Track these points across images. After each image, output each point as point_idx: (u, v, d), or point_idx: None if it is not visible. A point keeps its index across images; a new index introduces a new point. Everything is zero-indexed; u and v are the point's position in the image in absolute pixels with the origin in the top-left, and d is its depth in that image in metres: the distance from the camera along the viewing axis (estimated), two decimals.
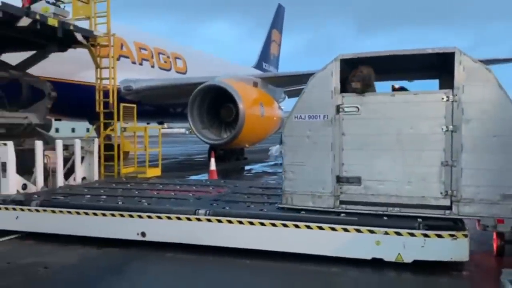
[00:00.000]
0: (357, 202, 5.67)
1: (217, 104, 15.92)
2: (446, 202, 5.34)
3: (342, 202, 5.74)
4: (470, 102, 5.24)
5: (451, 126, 5.32)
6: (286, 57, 44.20)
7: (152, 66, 19.57)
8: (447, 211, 5.33)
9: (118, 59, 15.07)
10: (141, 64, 18.76)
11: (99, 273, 5.24)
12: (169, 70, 20.72)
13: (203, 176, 13.42)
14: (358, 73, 5.72)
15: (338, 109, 5.74)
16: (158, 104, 19.36)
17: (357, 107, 5.69)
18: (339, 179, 5.74)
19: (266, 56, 37.40)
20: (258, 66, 35.31)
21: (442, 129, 5.36)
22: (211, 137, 16.06)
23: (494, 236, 5.45)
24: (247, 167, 17.58)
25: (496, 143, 5.14)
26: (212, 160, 12.95)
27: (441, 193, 5.37)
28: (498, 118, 5.14)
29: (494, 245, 5.46)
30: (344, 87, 5.80)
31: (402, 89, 6.04)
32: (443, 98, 5.37)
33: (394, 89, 6.06)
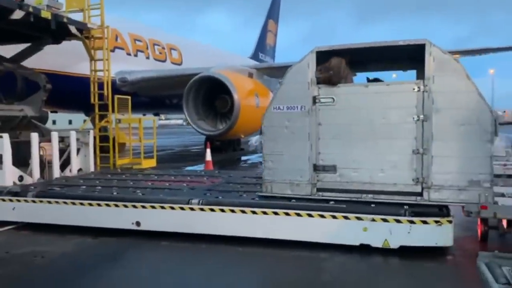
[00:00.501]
0: (333, 189, 5.87)
1: (212, 95, 16.02)
2: (417, 189, 5.54)
3: (319, 190, 5.93)
4: (440, 92, 5.41)
5: (422, 116, 5.48)
6: (283, 47, 44.04)
7: (147, 58, 19.60)
8: (418, 197, 5.52)
9: (112, 50, 15.14)
10: (136, 55, 18.79)
11: (95, 261, 5.37)
12: (164, 61, 20.75)
13: (199, 167, 13.54)
14: (326, 64, 5.86)
15: (314, 100, 5.90)
16: (153, 96, 19.44)
17: (333, 98, 5.85)
18: (316, 168, 5.92)
19: (262, 47, 37.37)
20: (255, 56, 35.30)
21: (414, 118, 5.53)
22: (206, 128, 16.18)
23: (478, 222, 5.61)
24: (243, 158, 17.71)
25: (464, 131, 5.31)
26: (208, 151, 13.07)
27: (413, 180, 5.55)
28: (466, 107, 5.31)
29: (478, 231, 5.62)
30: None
31: (376, 80, 6.19)
32: (414, 89, 5.53)
33: (368, 81, 6.22)
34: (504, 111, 47.93)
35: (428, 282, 4.57)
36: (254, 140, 11.04)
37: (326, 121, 5.88)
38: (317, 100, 5.90)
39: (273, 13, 39.23)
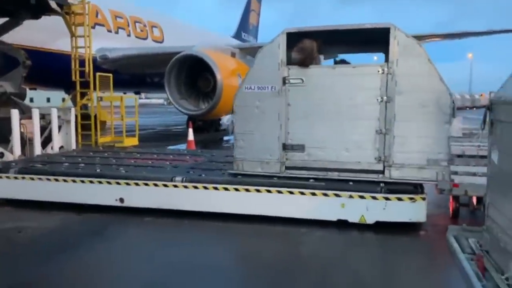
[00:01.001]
0: (301, 168, 6.07)
1: (194, 74, 15.93)
2: (379, 167, 5.79)
3: (287, 168, 6.13)
4: (403, 75, 5.62)
5: (385, 97, 5.70)
6: (266, 27, 43.76)
7: (128, 35, 19.32)
8: (380, 175, 5.78)
9: (93, 27, 14.87)
10: (117, 32, 18.50)
11: (79, 237, 5.45)
12: (145, 39, 20.48)
13: (182, 147, 13.58)
14: (299, 45, 6.00)
15: (284, 80, 6.04)
16: (134, 74, 19.23)
17: (302, 79, 6.00)
18: (285, 147, 6.11)
19: (245, 26, 37.08)
20: (237, 36, 35.03)
21: (377, 99, 5.74)
22: (189, 108, 16.15)
23: (450, 199, 5.88)
24: (225, 138, 17.79)
25: (424, 113, 5.56)
26: (190, 130, 13.10)
27: (375, 158, 5.80)
28: (426, 90, 5.55)
29: (450, 208, 5.90)
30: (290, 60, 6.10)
31: (343, 62, 6.40)
32: (379, 71, 5.73)
33: (335, 63, 6.41)
34: (481, 94, 48.85)
35: (401, 253, 4.82)
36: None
37: (295, 102, 6.05)
38: (287, 81, 6.04)
39: None
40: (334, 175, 5.91)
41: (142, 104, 58.87)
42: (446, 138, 5.52)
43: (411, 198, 5.38)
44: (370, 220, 5.47)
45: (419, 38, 24.84)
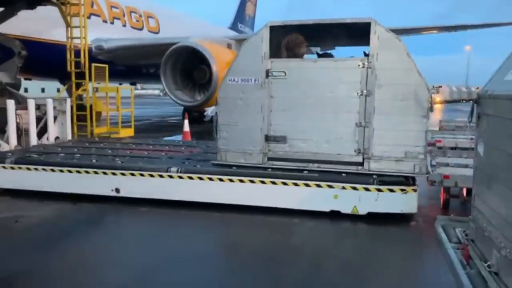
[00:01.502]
0: (283, 159, 6.19)
1: (190, 65, 15.94)
2: (359, 159, 5.91)
3: (270, 159, 6.25)
4: (383, 69, 5.71)
5: (365, 91, 5.81)
6: (263, 18, 43.54)
7: (124, 25, 19.25)
8: (359, 167, 5.90)
9: (88, 17, 14.80)
10: (112, 23, 18.43)
11: (75, 226, 5.53)
12: (141, 29, 20.42)
13: (177, 138, 13.63)
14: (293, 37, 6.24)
15: (267, 73, 6.14)
16: (130, 64, 19.19)
17: (284, 72, 6.10)
18: (268, 138, 6.22)
19: (241, 17, 36.94)
20: (233, 27, 34.93)
21: (358, 93, 5.85)
22: (184, 99, 16.19)
23: (442, 191, 5.99)
24: None
25: (402, 106, 5.66)
26: (186, 121, 13.14)
27: (355, 151, 5.92)
28: (405, 84, 5.65)
29: (441, 199, 6.01)
30: (275, 53, 6.21)
31: (326, 55, 6.51)
32: (359, 65, 5.83)
33: (318, 56, 6.53)
34: (477, 87, 49.20)
35: (390, 243, 4.94)
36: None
37: (278, 94, 6.15)
38: (269, 74, 6.13)
39: None
40: (315, 166, 6.03)
41: (138, 95, 58.80)
42: (424, 131, 5.64)
43: (402, 190, 5.48)
44: (362, 211, 5.57)
45: (416, 30, 24.95)
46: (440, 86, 53.70)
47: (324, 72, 6.00)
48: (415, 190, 5.48)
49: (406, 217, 5.56)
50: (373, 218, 5.49)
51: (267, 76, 6.12)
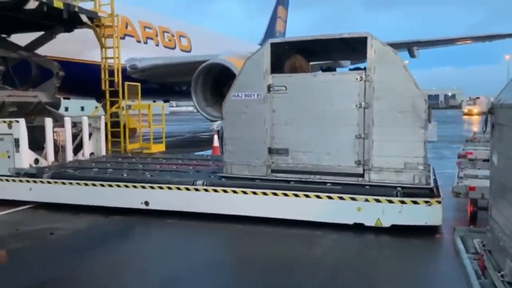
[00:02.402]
0: (286, 171, 6.36)
1: (220, 81, 16.25)
2: (359, 171, 5.99)
3: (273, 171, 6.43)
4: (380, 82, 5.81)
5: (364, 103, 5.92)
6: (293, 33, 43.96)
7: (157, 45, 19.90)
8: (360, 178, 5.97)
9: (123, 38, 15.47)
10: (146, 42, 19.10)
11: (106, 237, 5.77)
12: (173, 48, 21.03)
13: (207, 153, 13.89)
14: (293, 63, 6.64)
15: (269, 88, 6.36)
16: (163, 82, 19.76)
17: (285, 87, 6.31)
18: (271, 151, 6.42)
19: (271, 33, 37.36)
20: (263, 43, 35.29)
21: (356, 105, 5.96)
22: (214, 115, 16.48)
23: (468, 203, 5.88)
24: None
25: (401, 118, 5.72)
26: (215, 136, 13.38)
27: (355, 162, 6.00)
28: (402, 96, 5.71)
29: (468, 212, 5.90)
30: (276, 68, 6.45)
31: (329, 69, 6.68)
32: (357, 78, 5.96)
33: (322, 70, 6.72)
34: None
35: (412, 255, 4.91)
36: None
37: (280, 108, 6.35)
38: (271, 88, 6.37)
39: (283, 0, 39.14)
40: (316, 178, 6.15)
41: (173, 112, 60.17)
42: (422, 142, 5.68)
43: (426, 202, 5.42)
44: (386, 223, 5.54)
45: (450, 41, 24.55)
46: (478, 98, 52.24)
47: (324, 86, 6.18)
48: (439, 202, 5.41)
49: (431, 229, 5.49)
50: (398, 231, 5.45)
51: (269, 91, 6.37)
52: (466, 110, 51.51)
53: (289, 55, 6.97)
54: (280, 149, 6.36)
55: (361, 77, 5.93)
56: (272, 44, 6.37)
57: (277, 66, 6.50)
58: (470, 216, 5.86)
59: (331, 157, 6.11)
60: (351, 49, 6.96)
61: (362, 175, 5.97)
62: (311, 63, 7.65)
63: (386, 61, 5.80)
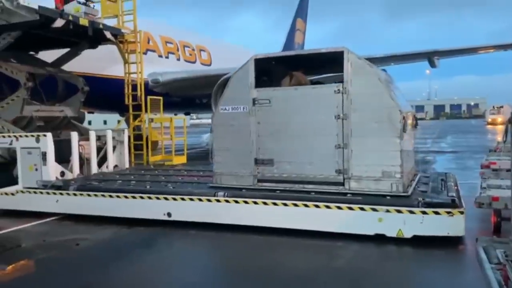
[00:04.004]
0: (271, 180, 6.60)
1: None
2: (340, 179, 6.17)
3: (259, 181, 6.67)
4: (357, 94, 6.02)
5: (342, 114, 6.13)
6: (313, 44, 44.16)
7: (178, 59, 20.23)
8: (340, 187, 6.14)
9: (145, 53, 15.80)
10: (167, 57, 19.44)
11: (129, 248, 5.89)
12: (194, 62, 21.34)
13: None
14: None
15: (254, 101, 6.65)
16: (184, 96, 20.00)
17: (269, 100, 6.59)
18: (257, 161, 6.67)
19: (290, 45, 37.50)
20: None
21: (335, 117, 6.16)
22: None
23: (492, 213, 5.80)
24: None
25: (377, 128, 5.92)
26: None
27: (335, 171, 6.24)
28: (378, 107, 5.91)
29: (492, 222, 5.81)
30: (260, 82, 6.74)
31: (318, 83, 7.02)
32: (335, 91, 6.19)
33: (312, 83, 6.97)
34: None
35: (434, 266, 4.85)
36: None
37: (264, 120, 6.63)
38: (256, 102, 6.65)
39: (301, 12, 39.31)
40: (300, 187, 6.37)
41: (195, 124, 60.75)
42: (399, 151, 5.84)
43: (448, 212, 5.39)
44: (407, 234, 5.51)
45: (471, 50, 24.22)
46: (502, 107, 51.25)
47: (304, 98, 6.46)
48: (462, 213, 5.37)
49: (454, 240, 5.44)
50: (420, 241, 5.41)
51: (254, 104, 6.66)
52: (489, 120, 50.62)
53: (277, 70, 7.28)
54: (265, 159, 6.64)
55: (339, 89, 6.17)
56: (256, 60, 6.68)
57: (261, 81, 6.82)
58: (493, 227, 5.78)
59: (313, 167, 6.36)
60: (330, 63, 7.15)
61: (342, 184, 6.17)
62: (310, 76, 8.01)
63: (362, 74, 6.06)
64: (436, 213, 5.42)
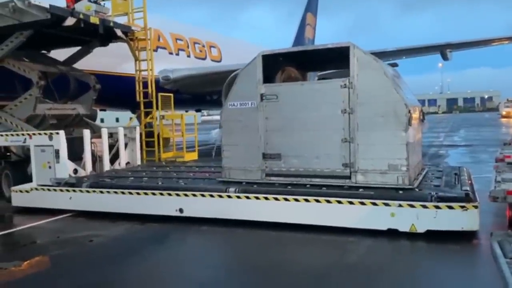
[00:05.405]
0: (279, 174, 6.67)
1: None
2: (346, 173, 6.21)
3: (267, 175, 6.80)
4: (363, 88, 6.05)
5: (348, 109, 6.16)
6: (325, 40, 43.88)
7: (188, 56, 20.27)
8: (347, 180, 6.18)
9: (155, 50, 15.86)
10: (177, 54, 19.48)
11: (142, 243, 5.93)
12: (204, 59, 21.36)
13: None
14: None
15: (262, 97, 6.70)
16: (195, 92, 20.04)
17: (276, 95, 6.65)
18: (264, 156, 6.73)
19: (300, 40, 37.30)
20: None
21: (341, 111, 6.20)
22: None
23: (507, 207, 5.72)
24: None
25: (383, 122, 5.94)
26: None
27: (342, 165, 6.28)
28: (384, 101, 5.93)
29: (507, 216, 5.73)
30: (269, 78, 6.82)
31: (324, 78, 7.01)
32: (341, 86, 6.21)
33: (319, 79, 6.87)
34: None
35: (448, 260, 4.80)
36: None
37: (272, 115, 6.69)
38: (263, 97, 6.70)
39: (311, 6, 39.05)
40: (307, 181, 6.43)
41: (206, 121, 60.98)
42: (404, 145, 5.86)
43: (462, 207, 5.32)
44: (420, 229, 5.46)
45: (484, 42, 23.87)
46: None
47: (311, 93, 6.51)
48: (476, 207, 5.30)
49: (469, 235, 5.37)
50: (433, 236, 5.36)
51: (261, 99, 6.72)
52: (504, 113, 49.89)
53: (281, 67, 7.33)
54: (273, 154, 6.70)
55: (345, 84, 6.19)
56: (264, 56, 6.72)
57: (269, 76, 6.86)
58: (508, 221, 5.70)
59: (320, 161, 6.41)
60: (336, 58, 7.15)
61: (349, 177, 6.21)
62: (309, 72, 8.08)
63: (368, 69, 6.10)
64: (450, 207, 5.36)
